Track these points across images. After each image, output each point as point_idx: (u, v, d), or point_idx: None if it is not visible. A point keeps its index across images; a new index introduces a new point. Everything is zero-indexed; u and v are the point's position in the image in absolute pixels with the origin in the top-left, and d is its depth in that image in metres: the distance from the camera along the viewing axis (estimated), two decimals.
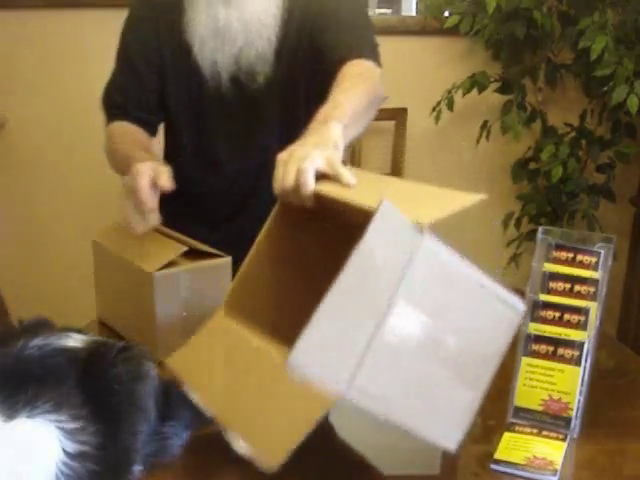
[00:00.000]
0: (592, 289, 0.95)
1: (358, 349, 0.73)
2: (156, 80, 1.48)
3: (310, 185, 0.91)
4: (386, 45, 2.36)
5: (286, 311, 0.95)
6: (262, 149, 1.44)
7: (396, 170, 2.28)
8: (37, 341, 0.85)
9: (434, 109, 2.21)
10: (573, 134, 2.24)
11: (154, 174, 1.11)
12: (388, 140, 2.31)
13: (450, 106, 2.21)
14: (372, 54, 1.36)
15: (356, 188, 0.90)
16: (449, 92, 2.21)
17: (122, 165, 1.32)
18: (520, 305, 0.83)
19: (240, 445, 0.77)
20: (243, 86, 1.41)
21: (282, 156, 0.98)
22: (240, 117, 1.45)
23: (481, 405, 1.04)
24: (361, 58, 1.30)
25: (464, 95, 2.21)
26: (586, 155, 2.23)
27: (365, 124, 1.25)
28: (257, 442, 0.77)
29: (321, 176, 0.92)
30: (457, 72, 2.28)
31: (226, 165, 1.49)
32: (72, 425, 0.78)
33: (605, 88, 2.01)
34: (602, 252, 0.96)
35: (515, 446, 0.92)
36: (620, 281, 2.46)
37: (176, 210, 1.27)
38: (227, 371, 0.86)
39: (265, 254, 0.96)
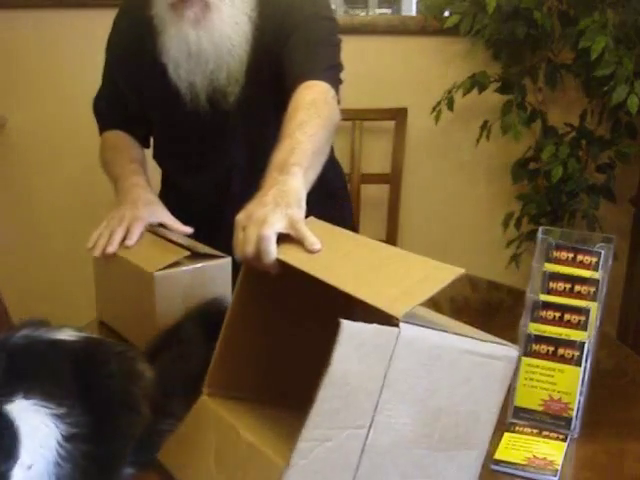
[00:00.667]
0: (592, 289, 0.95)
1: (351, 464, 0.72)
2: (138, 102, 1.52)
3: (271, 253, 0.86)
4: (386, 45, 2.38)
5: (271, 375, 0.94)
6: (231, 166, 1.50)
7: (396, 170, 2.28)
8: (25, 332, 0.83)
9: (434, 109, 2.21)
10: (573, 134, 2.24)
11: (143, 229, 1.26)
12: (388, 140, 2.31)
13: (450, 106, 2.21)
14: (326, 73, 1.29)
15: (322, 255, 0.84)
16: (449, 92, 2.21)
17: (112, 180, 1.44)
18: (512, 351, 0.80)
19: None
20: (218, 106, 1.42)
21: (240, 219, 0.92)
22: (214, 136, 1.47)
23: None
24: (314, 79, 1.25)
25: (464, 95, 2.21)
26: (586, 155, 2.23)
27: (324, 160, 1.16)
28: None
29: (284, 235, 0.88)
30: (457, 72, 2.27)
31: (200, 174, 1.53)
32: (61, 410, 0.76)
33: (605, 88, 2.01)
34: (602, 252, 0.96)
35: (515, 446, 0.92)
36: (620, 281, 2.46)
37: (170, 207, 1.37)
38: (220, 471, 0.81)
39: (239, 322, 0.91)
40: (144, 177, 1.44)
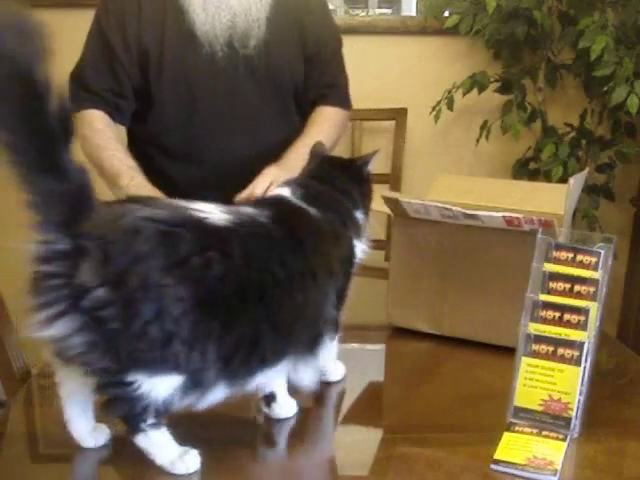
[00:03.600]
0: (592, 289, 0.95)
1: None
2: (133, 66, 1.49)
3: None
4: (386, 45, 2.37)
5: None
6: (249, 128, 1.51)
7: (396, 170, 2.28)
8: None
9: (434, 109, 2.21)
10: (573, 134, 2.24)
11: None
12: (388, 140, 2.31)
13: (450, 106, 2.21)
14: (342, 100, 1.64)
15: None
16: (449, 92, 2.21)
17: (111, 170, 1.40)
18: None
19: None
20: (236, 51, 1.46)
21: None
22: (231, 85, 1.49)
23: (481, 405, 1.05)
24: (333, 106, 1.60)
25: (464, 95, 2.21)
26: (586, 155, 2.23)
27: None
28: None
29: None
30: (457, 72, 2.28)
31: (217, 133, 1.52)
32: None
33: (605, 88, 2.01)
34: (602, 252, 0.96)
35: (515, 446, 0.92)
36: (620, 281, 2.46)
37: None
38: None
39: None
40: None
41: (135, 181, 1.36)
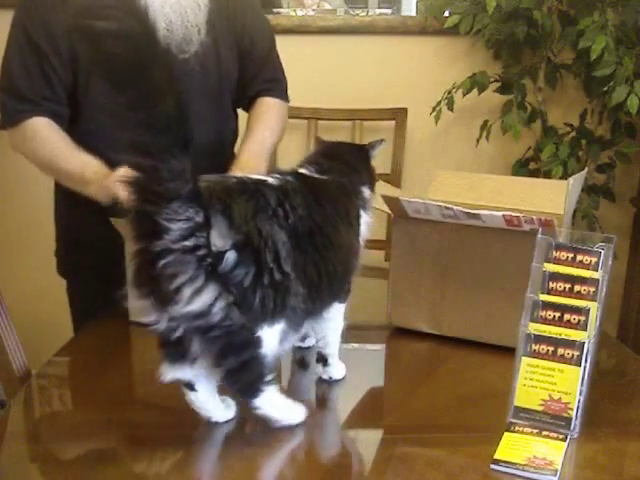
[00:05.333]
0: (592, 289, 0.95)
1: None
2: (65, 69, 1.43)
3: None
4: (386, 45, 2.37)
5: None
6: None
7: (396, 170, 2.28)
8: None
9: (434, 109, 2.21)
10: (573, 134, 2.24)
11: None
12: (388, 140, 2.31)
13: (450, 106, 2.21)
14: (283, 94, 1.67)
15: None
16: (449, 92, 2.21)
17: (69, 178, 1.40)
18: None
19: None
20: (174, 57, 1.42)
21: None
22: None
23: (481, 405, 1.05)
24: (277, 98, 1.64)
25: (464, 95, 2.21)
26: (586, 155, 2.23)
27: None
28: None
29: None
30: (457, 72, 2.28)
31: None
32: None
33: (605, 88, 2.01)
34: (602, 252, 0.96)
35: (515, 446, 0.92)
36: (620, 281, 2.46)
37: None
38: None
39: None
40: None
41: (100, 172, 1.34)
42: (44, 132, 1.44)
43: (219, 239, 0.83)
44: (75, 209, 1.57)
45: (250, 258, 0.85)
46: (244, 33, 1.57)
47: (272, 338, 0.90)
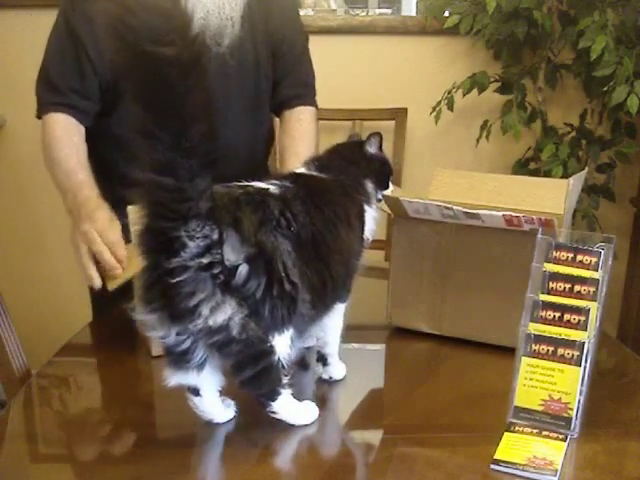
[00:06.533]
0: (592, 289, 0.95)
1: None
2: (104, 65, 1.41)
3: None
4: (386, 45, 2.37)
5: None
6: (217, 127, 1.42)
7: (396, 170, 2.28)
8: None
9: (434, 109, 2.21)
10: (573, 134, 2.24)
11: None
12: (388, 140, 2.30)
13: (450, 106, 2.21)
14: (314, 100, 1.66)
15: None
16: (449, 92, 2.21)
17: (63, 187, 1.37)
18: None
19: None
20: (209, 49, 1.40)
21: None
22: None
23: (481, 405, 1.04)
24: (308, 105, 1.62)
25: (464, 95, 2.21)
26: (586, 155, 2.23)
27: None
28: None
29: None
30: (457, 72, 2.28)
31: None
32: None
33: (605, 88, 2.01)
34: (602, 252, 0.95)
35: (515, 446, 0.92)
36: (620, 281, 2.46)
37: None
38: None
39: None
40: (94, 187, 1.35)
41: (90, 203, 1.30)
42: (57, 132, 1.42)
43: (232, 254, 0.84)
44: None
45: (261, 270, 0.86)
46: (278, 32, 1.55)
47: (283, 345, 0.91)
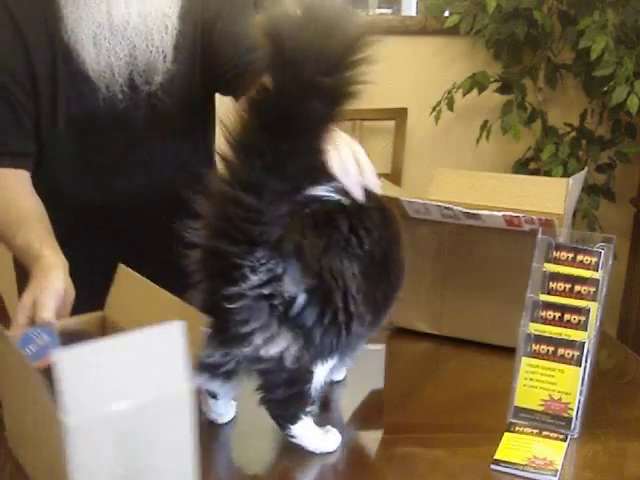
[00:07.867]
0: (592, 289, 0.95)
1: None
2: (30, 100, 1.19)
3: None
4: (386, 45, 2.37)
5: None
6: (155, 165, 1.28)
7: (396, 170, 2.28)
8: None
9: (434, 109, 2.21)
10: (573, 134, 2.25)
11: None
12: (388, 140, 2.31)
13: (450, 106, 2.21)
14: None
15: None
16: (449, 92, 2.21)
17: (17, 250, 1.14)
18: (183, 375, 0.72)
19: None
20: (139, 90, 1.20)
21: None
22: (135, 128, 1.23)
23: (481, 405, 1.05)
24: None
25: (464, 95, 2.21)
26: (586, 155, 2.23)
27: None
28: None
29: None
30: (457, 72, 2.28)
31: (117, 178, 1.27)
32: None
33: (605, 88, 2.01)
34: (602, 252, 0.96)
35: (515, 446, 0.92)
36: (620, 281, 2.46)
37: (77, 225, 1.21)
38: None
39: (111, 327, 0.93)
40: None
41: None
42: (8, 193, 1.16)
43: (292, 286, 0.80)
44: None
45: (319, 299, 0.82)
46: (220, 50, 1.25)
47: (322, 374, 0.88)
